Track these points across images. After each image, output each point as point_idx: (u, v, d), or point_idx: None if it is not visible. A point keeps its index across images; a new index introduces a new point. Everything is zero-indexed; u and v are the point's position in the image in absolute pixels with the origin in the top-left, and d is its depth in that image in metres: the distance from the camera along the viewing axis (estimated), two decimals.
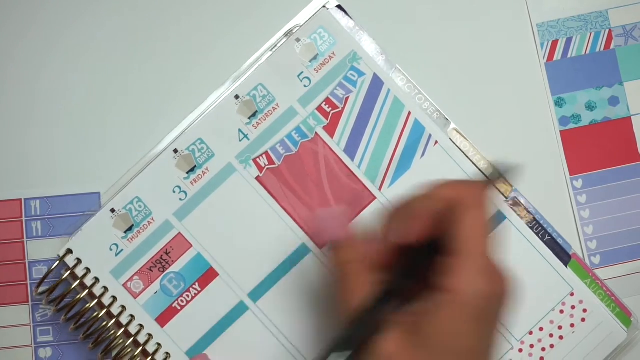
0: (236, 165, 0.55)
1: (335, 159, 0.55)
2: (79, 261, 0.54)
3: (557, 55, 0.56)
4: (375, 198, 0.55)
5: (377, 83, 0.55)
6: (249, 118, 0.55)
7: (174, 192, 0.55)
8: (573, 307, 0.55)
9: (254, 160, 0.55)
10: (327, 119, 0.55)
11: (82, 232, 0.54)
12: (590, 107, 0.56)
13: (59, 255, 0.55)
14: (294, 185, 0.55)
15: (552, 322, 0.55)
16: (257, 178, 0.55)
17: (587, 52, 0.56)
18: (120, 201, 0.55)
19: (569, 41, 0.56)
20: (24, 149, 0.56)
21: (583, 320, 0.55)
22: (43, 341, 0.55)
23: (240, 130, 0.55)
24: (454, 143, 0.55)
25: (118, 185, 0.56)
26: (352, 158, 0.55)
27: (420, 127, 0.55)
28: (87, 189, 0.56)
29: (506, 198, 0.55)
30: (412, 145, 0.55)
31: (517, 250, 0.55)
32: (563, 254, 0.55)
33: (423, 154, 0.55)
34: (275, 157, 0.55)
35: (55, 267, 0.54)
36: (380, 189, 0.55)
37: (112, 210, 0.55)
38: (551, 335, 0.55)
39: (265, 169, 0.55)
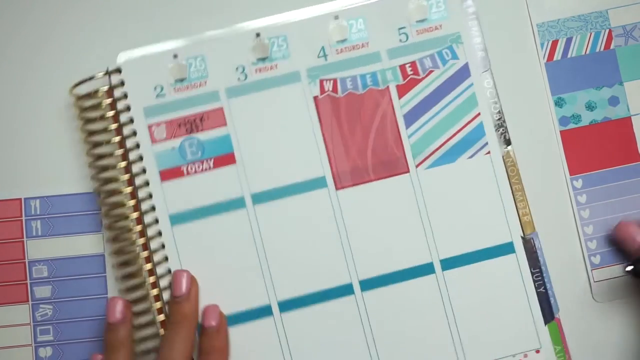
0: (303, 77, 0.56)
1: (392, 119, 0.56)
2: (121, 83, 0.55)
3: (557, 55, 0.56)
4: (407, 172, 0.56)
5: (464, 72, 0.56)
6: (337, 42, 0.56)
7: (236, 69, 0.55)
8: None
9: (321, 81, 0.56)
10: (404, 80, 0.56)
11: (138, 59, 0.55)
12: (590, 107, 0.56)
13: (107, 69, 0.55)
14: (344, 121, 0.56)
15: None
16: (315, 98, 0.56)
17: (587, 52, 0.56)
18: (185, 51, 0.55)
19: (569, 41, 0.56)
20: (24, 148, 0.57)
21: None
22: (43, 340, 0.56)
23: (323, 48, 0.56)
24: (505, 164, 0.56)
25: (191, 40, 0.56)
26: (408, 126, 0.56)
27: (482, 131, 0.56)
28: (87, 189, 0.57)
29: (524, 236, 0.55)
30: (466, 143, 0.56)
31: (509, 286, 0.56)
32: (548, 312, 0.56)
33: (472, 156, 0.56)
34: (341, 87, 0.56)
35: (100, 77, 0.55)
36: (417, 166, 0.56)
37: (175, 56, 0.55)
38: None
39: (327, 93, 0.56)
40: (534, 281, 0.56)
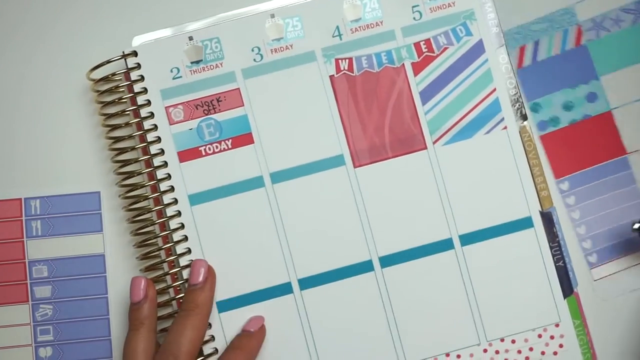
0: (318, 56, 0.57)
1: (409, 96, 0.57)
2: (138, 66, 0.56)
3: (527, 61, 0.56)
4: (425, 148, 0.56)
5: (478, 49, 0.57)
6: (351, 22, 0.57)
7: (252, 50, 0.56)
8: (552, 337, 0.56)
9: (336, 60, 0.57)
10: (419, 57, 0.57)
11: (154, 42, 0.56)
12: (567, 107, 0.56)
13: (123, 52, 0.56)
14: (360, 99, 0.56)
15: (526, 340, 0.56)
16: (331, 77, 0.57)
17: (558, 52, 0.56)
18: (201, 34, 0.56)
19: (536, 45, 0.56)
20: (24, 148, 0.58)
21: (555, 353, 0.56)
22: (43, 340, 0.57)
23: (337, 27, 0.57)
24: (522, 139, 0.57)
25: (206, 22, 0.57)
26: (424, 103, 0.57)
27: (497, 106, 0.57)
28: (87, 189, 0.57)
29: (543, 210, 0.56)
30: (483, 118, 0.56)
31: (527, 261, 0.56)
32: (567, 286, 0.56)
33: (488, 132, 0.57)
34: (356, 66, 0.57)
35: (116, 60, 0.56)
36: (434, 143, 0.57)
37: (190, 38, 0.56)
38: (519, 352, 0.56)
39: (343, 72, 0.57)
40: (553, 255, 0.56)
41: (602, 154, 0.56)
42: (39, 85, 0.58)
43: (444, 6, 0.57)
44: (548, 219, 0.56)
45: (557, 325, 0.56)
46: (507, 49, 0.55)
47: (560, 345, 0.56)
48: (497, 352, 0.56)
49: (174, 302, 0.55)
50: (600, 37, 0.55)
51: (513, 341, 0.55)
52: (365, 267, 0.55)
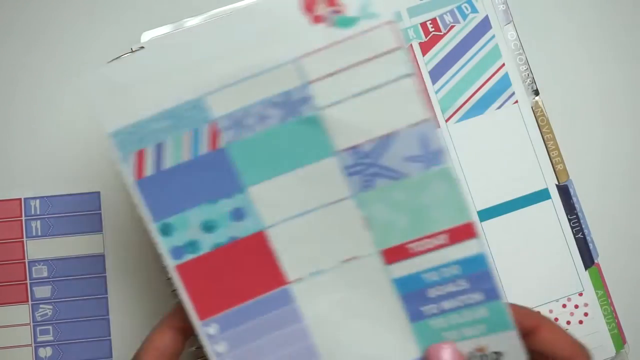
0: None
1: (418, 76, 0.58)
2: None
3: (149, 170, 0.42)
4: (438, 127, 0.58)
5: (485, 26, 0.59)
6: None
7: None
8: (576, 307, 0.57)
9: None
10: (426, 37, 0.59)
11: (162, 38, 0.57)
12: (208, 228, 0.42)
13: (131, 49, 0.57)
14: None
15: (551, 311, 0.57)
16: None
17: (188, 158, 0.42)
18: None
19: (159, 148, 0.42)
20: (24, 148, 0.59)
21: (580, 322, 0.57)
22: (43, 340, 0.57)
23: None
24: (534, 114, 0.58)
25: (212, 15, 0.58)
26: (434, 82, 0.58)
27: (507, 81, 0.58)
28: (87, 189, 0.58)
29: (559, 183, 0.57)
30: (493, 94, 0.58)
31: (547, 233, 0.58)
32: (588, 258, 0.58)
33: (500, 107, 0.58)
34: None
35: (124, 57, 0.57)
36: (447, 121, 0.58)
37: None
38: None
39: None
40: (572, 227, 0.58)
41: (258, 286, 0.43)
42: (39, 84, 0.59)
43: None
44: (565, 192, 0.58)
45: (580, 295, 0.57)
46: (125, 154, 0.42)
47: (585, 314, 0.57)
48: None
49: None
50: (241, 138, 0.41)
51: None
52: None
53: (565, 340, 0.44)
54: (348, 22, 0.40)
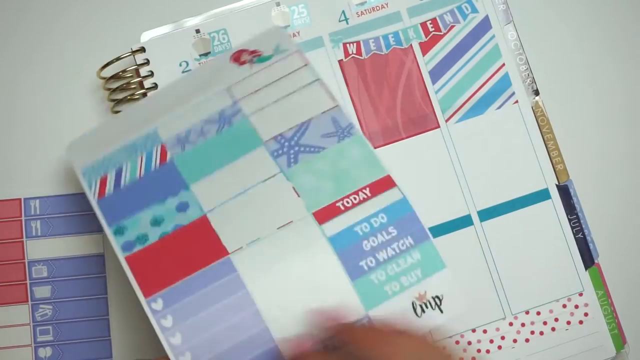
0: (326, 42, 0.58)
1: (419, 76, 0.58)
2: (147, 62, 0.57)
3: (109, 190, 0.51)
4: (438, 127, 0.58)
5: (485, 25, 0.59)
6: (357, 5, 0.59)
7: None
8: (576, 307, 0.57)
9: (344, 44, 0.58)
10: (426, 37, 0.59)
11: (161, 38, 0.58)
12: (156, 222, 0.49)
13: (131, 49, 0.58)
14: (370, 82, 0.58)
15: (551, 311, 0.57)
16: (340, 61, 0.58)
17: (142, 175, 0.51)
18: (208, 26, 0.58)
19: (119, 172, 0.51)
20: (24, 148, 0.59)
21: (581, 322, 0.57)
22: (43, 341, 0.57)
23: (343, 12, 0.59)
24: (534, 114, 0.58)
25: (211, 14, 0.59)
26: (434, 82, 0.59)
27: (507, 81, 0.58)
28: None
29: (559, 183, 0.58)
30: (493, 94, 0.58)
31: (547, 233, 0.58)
32: (588, 258, 0.58)
33: (500, 107, 0.58)
34: (364, 49, 0.59)
35: (125, 57, 0.57)
36: (447, 121, 0.58)
37: (197, 31, 0.58)
38: (545, 323, 0.57)
39: (351, 56, 0.58)
40: (572, 227, 0.58)
41: (199, 261, 0.47)
42: (39, 84, 0.60)
43: None
44: (565, 192, 0.58)
45: (580, 295, 0.57)
46: (90, 183, 0.52)
47: (585, 314, 0.57)
48: (522, 324, 0.57)
49: None
50: (185, 150, 0.51)
51: (538, 313, 0.57)
52: None
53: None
54: (265, 59, 0.53)
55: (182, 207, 0.49)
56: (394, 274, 0.47)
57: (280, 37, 0.54)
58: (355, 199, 0.48)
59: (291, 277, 0.47)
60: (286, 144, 0.50)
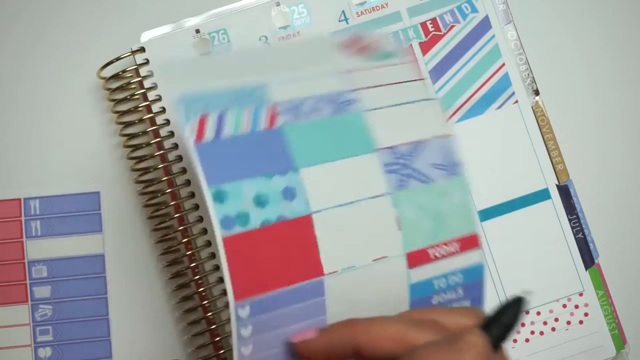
0: None
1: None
2: (146, 61, 0.58)
3: (209, 134, 0.42)
4: None
5: (484, 25, 0.59)
6: (357, 5, 0.59)
7: (260, 40, 0.58)
8: (577, 307, 0.58)
9: None
10: (426, 37, 0.59)
11: (161, 38, 0.58)
12: (260, 202, 0.42)
13: (131, 49, 0.58)
14: None
15: (551, 311, 0.58)
16: None
17: (247, 131, 0.43)
18: (208, 26, 0.58)
19: (222, 117, 0.43)
20: (24, 148, 0.60)
21: (581, 322, 0.58)
22: (43, 341, 0.57)
23: (343, 12, 0.59)
24: (534, 114, 0.59)
25: (211, 14, 0.59)
26: (434, 82, 0.59)
27: (507, 81, 0.59)
28: (86, 189, 0.59)
29: (559, 183, 0.58)
30: (493, 94, 0.59)
31: (547, 233, 0.59)
32: (588, 258, 0.58)
33: (500, 107, 0.59)
34: None
35: (125, 57, 0.58)
36: (447, 120, 0.58)
37: (197, 31, 0.58)
38: (545, 323, 0.58)
39: None
40: (572, 227, 0.58)
41: (296, 273, 0.42)
42: (38, 84, 0.60)
43: None
44: (565, 192, 0.58)
45: (580, 295, 0.58)
46: (188, 116, 0.43)
47: (586, 314, 0.58)
48: (522, 324, 0.57)
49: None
50: (298, 122, 0.44)
51: (538, 313, 0.57)
52: None
53: (390, 339, 0.40)
54: (386, 56, 0.48)
55: (289, 194, 0.42)
56: None
57: (395, 43, 0.52)
58: (445, 250, 0.45)
59: (364, 315, 0.43)
60: (399, 160, 0.45)
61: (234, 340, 0.42)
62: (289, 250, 0.42)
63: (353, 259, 0.43)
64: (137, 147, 0.57)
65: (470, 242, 0.45)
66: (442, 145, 0.46)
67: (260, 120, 0.43)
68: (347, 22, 0.59)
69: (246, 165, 0.42)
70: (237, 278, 0.41)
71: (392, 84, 0.47)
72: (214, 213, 0.41)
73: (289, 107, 0.44)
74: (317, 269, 0.42)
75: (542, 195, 0.58)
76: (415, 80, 0.47)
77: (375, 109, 0.45)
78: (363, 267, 0.43)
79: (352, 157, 0.44)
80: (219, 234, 0.41)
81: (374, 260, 0.44)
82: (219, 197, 0.41)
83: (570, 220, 0.58)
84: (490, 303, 0.54)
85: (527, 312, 0.58)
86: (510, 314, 0.42)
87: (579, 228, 0.58)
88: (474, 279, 0.45)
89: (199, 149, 0.42)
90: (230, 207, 0.41)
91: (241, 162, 0.42)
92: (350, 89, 0.45)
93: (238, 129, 0.43)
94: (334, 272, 0.43)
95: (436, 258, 0.44)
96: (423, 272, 0.44)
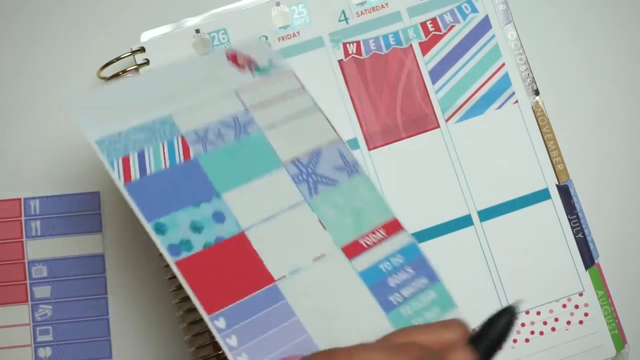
0: (326, 42, 0.59)
1: (419, 76, 0.59)
2: (146, 62, 0.58)
3: (135, 174, 0.46)
4: (438, 127, 0.59)
5: (484, 25, 0.59)
6: (357, 5, 0.59)
7: (259, 39, 0.58)
8: (577, 307, 0.58)
9: (344, 44, 0.59)
10: (426, 37, 0.59)
11: (161, 38, 0.58)
12: (196, 228, 0.46)
13: (131, 49, 0.58)
14: (370, 82, 0.59)
15: (551, 311, 0.58)
16: (340, 61, 0.59)
17: (167, 167, 0.46)
18: (207, 26, 0.58)
19: (142, 156, 0.46)
20: (24, 148, 0.60)
21: (581, 322, 0.58)
22: (43, 341, 0.57)
23: (343, 12, 0.59)
24: (534, 114, 0.59)
25: (211, 14, 0.59)
26: (434, 82, 0.59)
27: (507, 81, 0.59)
28: (86, 189, 0.59)
29: (559, 183, 0.58)
30: (493, 94, 0.59)
31: (547, 233, 0.59)
32: (588, 258, 0.59)
33: (500, 107, 0.59)
34: (364, 49, 0.59)
35: (125, 57, 0.58)
36: (447, 120, 0.59)
37: (197, 31, 0.59)
38: (545, 323, 0.58)
39: (351, 56, 0.59)
40: (572, 227, 0.58)
41: (250, 283, 0.45)
42: (39, 84, 0.60)
43: None
44: (565, 192, 0.59)
45: (580, 295, 0.58)
46: (111, 159, 0.46)
47: (586, 314, 0.58)
48: (522, 324, 0.58)
49: None
50: (208, 152, 0.48)
51: (538, 313, 0.57)
52: None
53: None
54: (264, 71, 0.52)
55: (219, 218, 0.47)
56: (418, 309, 0.48)
57: (271, 52, 0.53)
58: (374, 237, 0.49)
59: (332, 309, 0.47)
60: (304, 170, 0.49)
61: (226, 351, 0.44)
62: (236, 265, 0.46)
63: (295, 263, 0.47)
64: None
65: (393, 227, 0.50)
66: (336, 148, 0.51)
67: (176, 153, 0.47)
68: (347, 22, 0.59)
69: (175, 197, 0.46)
70: (202, 294, 0.44)
71: (277, 99, 0.51)
72: (160, 244, 0.44)
73: (195, 139, 0.48)
74: (266, 277, 0.46)
75: (542, 196, 0.58)
76: (296, 90, 0.52)
77: (270, 126, 0.50)
78: (307, 267, 0.47)
79: (263, 175, 0.48)
80: (170, 260, 0.44)
81: (315, 260, 0.48)
82: (159, 230, 0.45)
83: (570, 220, 0.58)
84: (490, 305, 0.55)
85: (527, 312, 0.58)
86: (499, 326, 0.40)
87: (579, 228, 0.58)
88: (414, 256, 0.49)
89: (129, 189, 0.45)
90: (171, 236, 0.45)
91: (170, 195, 0.46)
92: (243, 110, 0.50)
93: (159, 165, 0.46)
94: (283, 276, 0.46)
95: (369, 246, 0.49)
96: (365, 260, 0.48)
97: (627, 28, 0.62)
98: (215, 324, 0.44)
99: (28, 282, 0.58)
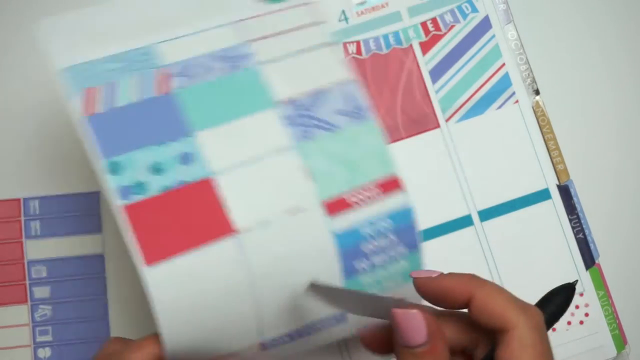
0: None
1: (419, 76, 0.59)
2: None
3: (99, 107, 0.43)
4: (438, 127, 0.59)
5: (485, 25, 0.60)
6: (357, 5, 0.59)
7: None
8: (577, 307, 0.58)
9: (344, 44, 0.59)
10: (426, 37, 0.60)
11: None
12: (157, 169, 0.43)
13: None
14: (370, 82, 0.59)
15: None
16: None
17: (136, 100, 0.43)
18: None
19: (110, 87, 0.43)
20: (23, 148, 0.60)
21: (581, 322, 0.58)
22: (42, 341, 0.57)
23: (343, 12, 0.59)
24: (535, 113, 0.59)
25: None
26: (434, 82, 0.59)
27: (508, 81, 0.59)
28: (86, 189, 0.59)
29: (560, 183, 0.58)
30: (494, 94, 0.59)
31: (547, 233, 0.59)
32: (589, 258, 0.59)
33: (500, 107, 0.59)
34: (364, 49, 0.59)
35: None
36: (447, 120, 0.59)
37: None
38: None
39: (351, 56, 0.59)
40: (572, 227, 0.58)
41: (204, 234, 0.42)
42: (38, 84, 0.60)
43: None
44: (566, 192, 0.59)
45: (581, 295, 0.58)
46: (75, 89, 0.43)
47: (586, 315, 0.58)
48: None
49: None
50: (190, 85, 0.44)
51: None
52: None
53: (499, 305, 0.41)
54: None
55: (186, 159, 0.43)
56: (381, 278, 0.46)
57: None
58: (365, 195, 0.45)
59: (290, 268, 0.44)
60: (302, 112, 0.45)
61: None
62: (194, 212, 0.42)
63: (266, 214, 0.43)
64: None
65: (391, 185, 0.46)
66: (345, 90, 0.46)
67: (150, 86, 0.44)
68: (347, 22, 0.59)
69: (139, 134, 0.43)
70: (144, 243, 0.41)
71: (288, 30, 0.47)
72: (110, 185, 0.42)
73: (178, 71, 0.44)
74: (225, 228, 0.42)
75: (542, 196, 0.58)
76: (315, 23, 0.48)
77: (271, 61, 0.46)
78: (278, 220, 0.43)
79: (249, 115, 0.45)
80: (118, 203, 0.41)
81: (288, 212, 0.44)
82: (113, 170, 0.42)
83: (570, 220, 0.58)
84: None
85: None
86: (561, 297, 0.45)
87: (579, 228, 0.58)
88: (404, 223, 0.46)
89: (90, 122, 0.43)
90: (126, 177, 0.42)
91: (134, 132, 0.43)
92: (244, 42, 0.46)
93: (128, 98, 0.43)
94: (248, 229, 0.43)
95: (356, 204, 0.45)
96: (346, 220, 0.45)
97: (627, 27, 0.62)
98: (150, 275, 0.41)
99: (27, 282, 0.58)
